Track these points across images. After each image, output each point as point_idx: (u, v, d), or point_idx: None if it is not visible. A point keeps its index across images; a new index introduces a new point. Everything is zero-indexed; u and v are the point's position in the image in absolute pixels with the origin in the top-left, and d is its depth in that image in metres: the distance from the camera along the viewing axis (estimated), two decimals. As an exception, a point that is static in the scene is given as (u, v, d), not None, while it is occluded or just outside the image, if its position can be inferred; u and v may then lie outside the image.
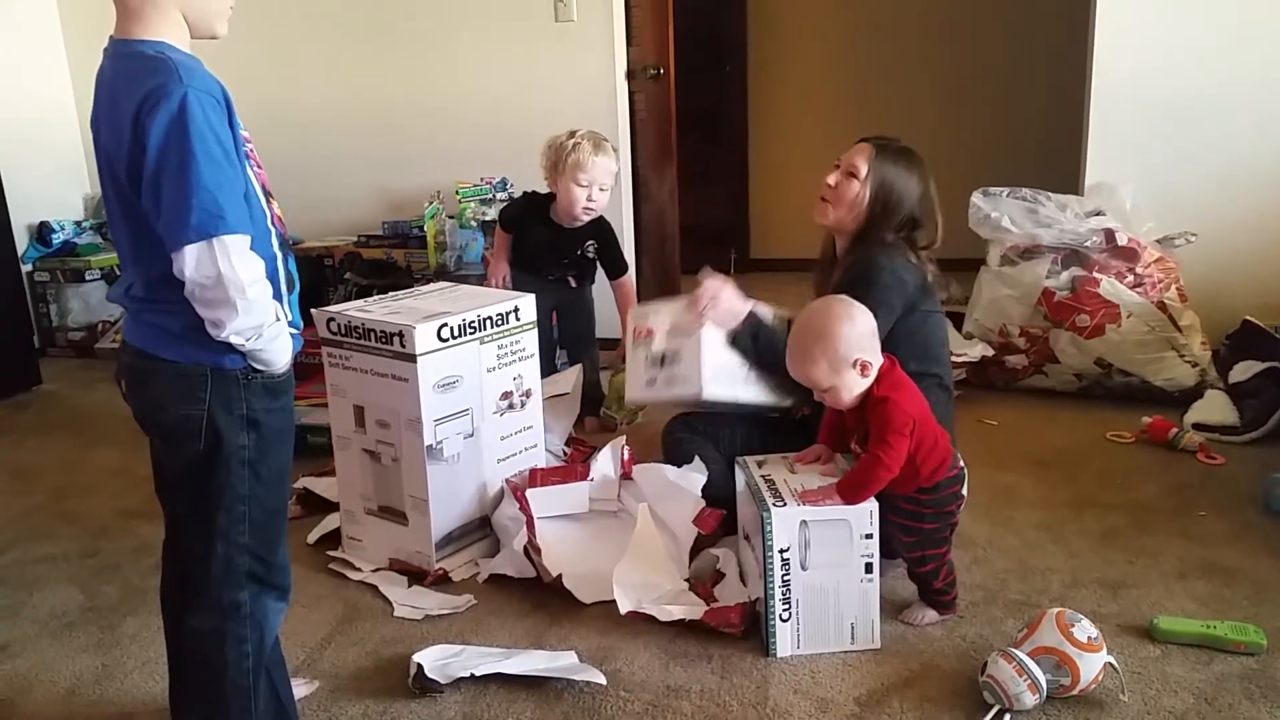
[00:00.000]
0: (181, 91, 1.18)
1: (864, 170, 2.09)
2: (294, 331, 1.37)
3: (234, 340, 1.26)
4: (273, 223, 1.33)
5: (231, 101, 1.26)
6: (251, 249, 1.24)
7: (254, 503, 1.35)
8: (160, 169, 1.18)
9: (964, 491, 1.85)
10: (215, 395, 1.29)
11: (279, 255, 1.33)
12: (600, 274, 3.02)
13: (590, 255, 2.87)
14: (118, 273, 1.73)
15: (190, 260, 1.20)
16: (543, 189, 2.92)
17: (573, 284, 2.91)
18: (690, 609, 1.87)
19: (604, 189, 2.79)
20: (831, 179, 2.15)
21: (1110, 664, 1.59)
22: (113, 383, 1.39)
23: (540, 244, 2.88)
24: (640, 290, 3.89)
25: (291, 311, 1.37)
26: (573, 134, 2.79)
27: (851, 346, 1.72)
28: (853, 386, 1.74)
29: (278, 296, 1.31)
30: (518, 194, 3.19)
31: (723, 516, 2.04)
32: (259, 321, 1.26)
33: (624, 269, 2.96)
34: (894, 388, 1.74)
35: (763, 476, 1.83)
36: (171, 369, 1.29)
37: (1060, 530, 2.21)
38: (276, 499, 1.40)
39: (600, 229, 2.89)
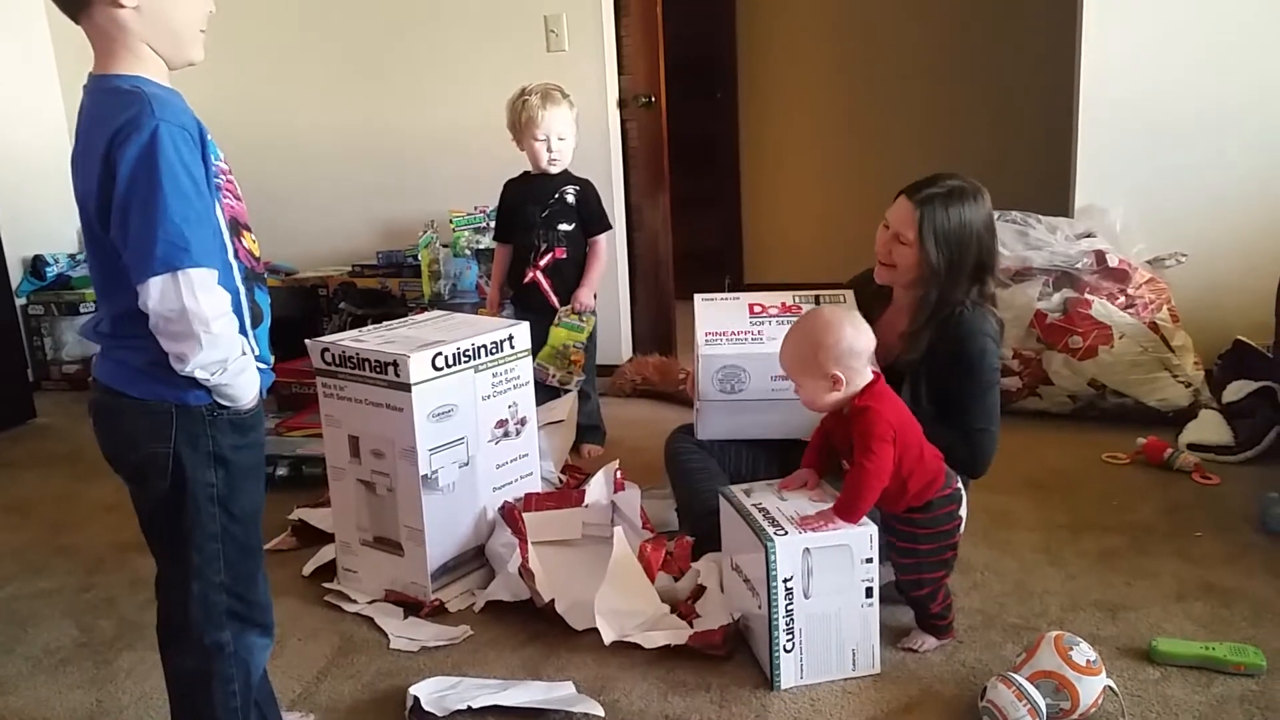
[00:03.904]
0: (153, 124, 1.18)
1: (911, 234, 2.00)
2: (262, 366, 1.36)
3: (198, 375, 1.25)
4: (237, 256, 1.32)
5: (206, 135, 1.26)
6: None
7: (228, 541, 1.34)
8: (128, 201, 1.19)
9: (962, 513, 1.84)
10: (181, 432, 1.29)
11: (241, 289, 1.32)
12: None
13: (570, 200, 2.87)
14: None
15: (155, 292, 1.19)
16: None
17: (564, 240, 2.87)
18: (674, 633, 1.87)
19: (563, 138, 2.84)
20: (881, 243, 2.06)
21: (1110, 687, 1.59)
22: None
23: (523, 199, 2.90)
24: (634, 317, 3.91)
25: (259, 346, 1.36)
26: (523, 91, 2.84)
27: (829, 358, 1.72)
28: (816, 394, 1.76)
29: (241, 330, 1.30)
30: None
31: (658, 554, 2.06)
32: (224, 356, 1.25)
33: (599, 228, 2.92)
34: (875, 397, 1.74)
35: (755, 505, 1.81)
36: (138, 406, 1.28)
37: (1058, 552, 2.21)
38: (251, 536, 1.39)
39: (581, 182, 2.92)
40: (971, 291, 2.03)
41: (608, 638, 1.85)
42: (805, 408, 1.84)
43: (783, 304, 2.20)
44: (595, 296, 2.92)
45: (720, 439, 2.24)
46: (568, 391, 2.89)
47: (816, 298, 2.18)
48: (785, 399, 2.06)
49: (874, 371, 1.78)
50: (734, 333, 2.16)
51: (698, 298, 2.27)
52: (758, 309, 2.20)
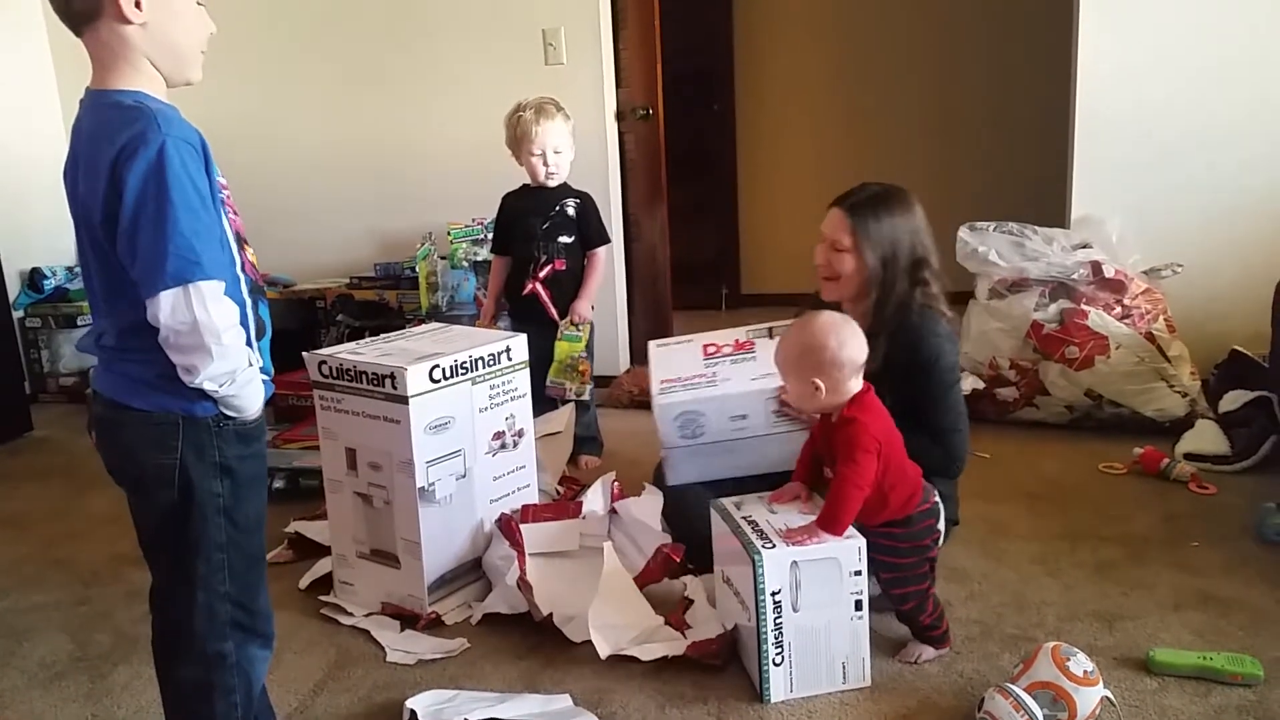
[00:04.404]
0: (160, 140, 1.19)
1: (847, 240, 2.05)
2: (265, 378, 1.37)
3: (207, 386, 1.26)
4: (243, 269, 1.34)
5: (209, 149, 1.28)
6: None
7: (233, 550, 1.35)
8: (138, 216, 1.19)
9: (940, 526, 1.84)
10: (187, 443, 1.29)
11: (248, 301, 1.34)
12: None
13: (571, 213, 2.89)
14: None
15: (166, 306, 1.20)
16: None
17: (563, 252, 2.88)
18: (671, 644, 1.87)
19: (558, 151, 2.85)
20: (819, 257, 2.11)
21: (1107, 698, 1.59)
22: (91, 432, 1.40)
23: (524, 210, 2.91)
24: (632, 327, 3.92)
25: (262, 358, 1.38)
26: (519, 107, 2.86)
27: (812, 364, 1.74)
28: (801, 396, 1.78)
29: (247, 343, 1.32)
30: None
31: (672, 562, 2.07)
32: (233, 367, 1.27)
33: (599, 241, 2.94)
34: (862, 409, 1.74)
35: (744, 518, 1.80)
36: (143, 418, 1.29)
37: (1055, 563, 2.21)
38: (255, 546, 1.40)
39: (581, 194, 2.93)
40: (915, 293, 2.06)
41: (603, 652, 1.84)
42: (769, 445, 1.92)
43: (736, 341, 2.20)
44: (593, 308, 2.93)
45: (692, 482, 2.21)
46: (581, 399, 2.90)
47: (769, 330, 2.18)
48: (747, 437, 2.11)
49: (865, 383, 1.78)
50: (687, 378, 2.16)
51: (652, 345, 2.29)
52: (711, 349, 2.20)
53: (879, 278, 2.05)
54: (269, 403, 1.40)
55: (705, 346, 2.21)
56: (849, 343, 1.75)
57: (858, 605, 1.73)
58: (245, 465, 1.35)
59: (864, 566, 1.71)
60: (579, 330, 2.88)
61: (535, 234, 2.87)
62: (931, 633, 1.84)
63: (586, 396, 2.91)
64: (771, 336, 2.15)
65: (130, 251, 1.21)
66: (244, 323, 1.31)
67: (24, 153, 3.98)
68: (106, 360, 1.32)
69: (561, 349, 2.87)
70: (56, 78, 4.13)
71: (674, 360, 2.22)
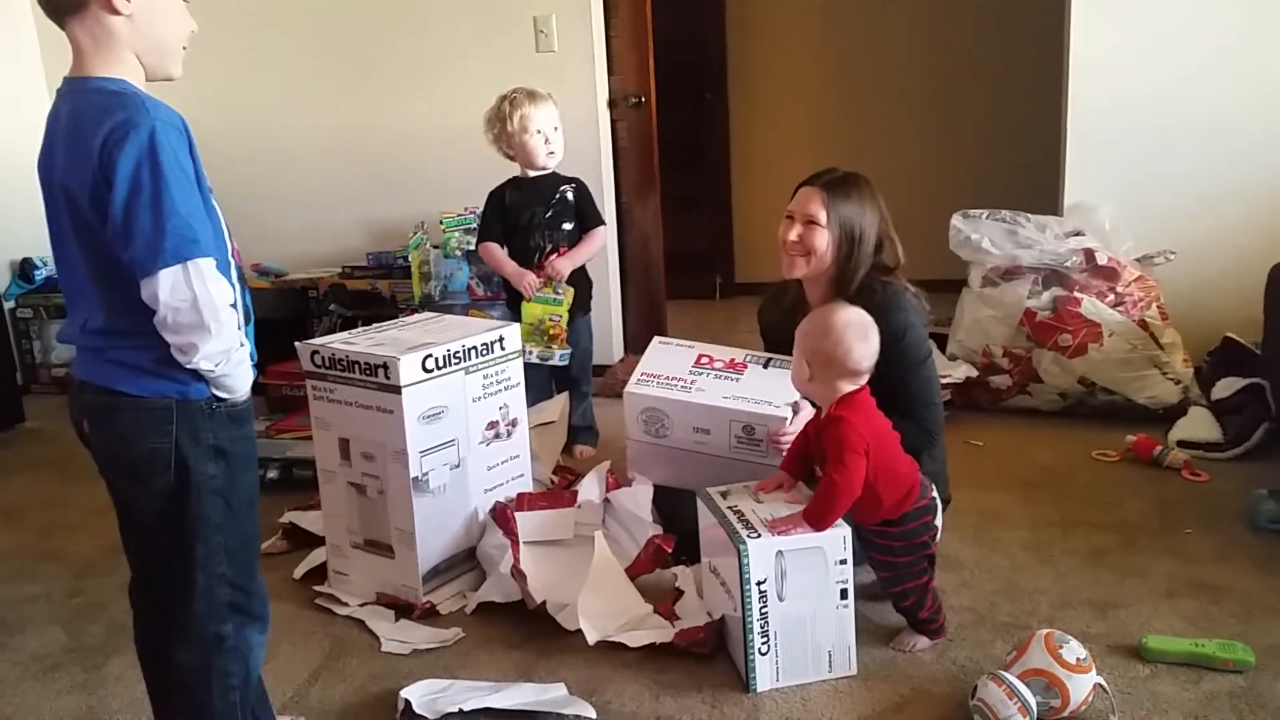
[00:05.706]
0: (150, 124, 1.21)
1: (823, 216, 2.06)
2: (251, 362, 1.38)
3: (203, 365, 1.27)
4: (233, 255, 1.35)
5: (191, 133, 1.28)
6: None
7: (229, 532, 1.36)
8: (132, 199, 1.20)
9: (937, 523, 1.83)
10: (182, 427, 1.30)
11: (237, 287, 1.34)
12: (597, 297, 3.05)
13: (571, 198, 2.89)
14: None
15: (166, 284, 1.21)
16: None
17: (567, 239, 2.88)
18: (659, 632, 1.87)
19: (557, 128, 2.86)
20: (793, 233, 2.11)
21: (1100, 685, 1.60)
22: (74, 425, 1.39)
23: (526, 201, 2.88)
24: (625, 317, 3.91)
25: (248, 342, 1.38)
26: (505, 96, 2.86)
27: (806, 347, 1.77)
28: (798, 374, 1.81)
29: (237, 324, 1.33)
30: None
31: (664, 553, 2.08)
32: (228, 345, 1.28)
33: (594, 224, 2.94)
34: (851, 408, 1.74)
35: (730, 508, 1.80)
36: (136, 404, 1.29)
37: (1048, 550, 2.22)
38: (249, 527, 1.41)
39: (574, 180, 2.93)
40: (876, 274, 2.08)
41: (592, 639, 1.85)
42: (727, 470, 1.96)
43: (730, 360, 2.22)
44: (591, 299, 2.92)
45: (654, 483, 2.24)
46: (549, 362, 2.88)
47: (767, 360, 2.21)
48: (707, 454, 2.13)
49: (862, 385, 1.78)
50: (668, 377, 2.19)
51: (656, 339, 2.33)
52: (704, 360, 2.23)
53: (846, 254, 2.08)
54: (255, 389, 1.41)
55: (700, 356, 2.24)
56: (848, 345, 1.74)
57: (843, 594, 1.73)
58: (238, 447, 1.36)
59: (849, 555, 1.72)
60: (557, 293, 2.86)
61: (539, 223, 2.86)
62: (929, 625, 1.84)
63: (554, 360, 2.88)
64: (767, 367, 2.18)
65: (125, 234, 1.21)
66: (232, 306, 1.31)
67: (13, 143, 3.94)
68: (95, 347, 1.31)
69: (532, 311, 2.84)
70: (44, 69, 4.10)
71: (665, 358, 2.25)
